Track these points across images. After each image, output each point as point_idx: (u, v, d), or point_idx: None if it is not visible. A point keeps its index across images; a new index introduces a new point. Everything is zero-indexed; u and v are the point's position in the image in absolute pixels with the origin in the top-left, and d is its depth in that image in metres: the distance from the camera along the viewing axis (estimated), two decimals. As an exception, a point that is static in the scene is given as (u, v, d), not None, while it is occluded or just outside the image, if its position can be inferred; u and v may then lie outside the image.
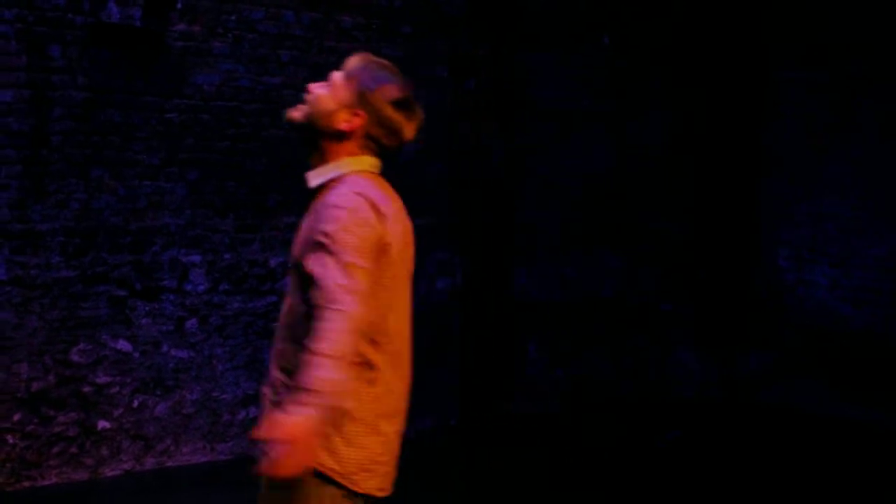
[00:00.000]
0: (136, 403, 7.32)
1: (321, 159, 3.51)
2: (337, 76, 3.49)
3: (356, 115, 3.46)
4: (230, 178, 7.71)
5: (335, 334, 3.11)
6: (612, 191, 9.86)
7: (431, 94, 8.67)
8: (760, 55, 9.97)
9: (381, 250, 3.35)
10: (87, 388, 7.13)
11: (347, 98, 3.45)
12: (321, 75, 7.84)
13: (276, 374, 3.44)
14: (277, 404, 3.33)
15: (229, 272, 7.71)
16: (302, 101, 3.54)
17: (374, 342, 3.40)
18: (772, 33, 9.89)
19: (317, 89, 3.48)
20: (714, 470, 7.90)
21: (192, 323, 7.55)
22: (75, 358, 7.05)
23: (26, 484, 6.90)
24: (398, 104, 3.49)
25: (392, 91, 3.49)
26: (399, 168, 8.34)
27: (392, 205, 3.48)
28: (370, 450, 3.42)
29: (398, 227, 3.46)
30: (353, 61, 3.51)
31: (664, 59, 9.96)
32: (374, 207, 3.35)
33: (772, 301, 9.91)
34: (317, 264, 3.24)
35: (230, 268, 7.72)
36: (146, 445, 7.38)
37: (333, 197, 3.36)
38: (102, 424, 7.19)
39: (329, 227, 3.26)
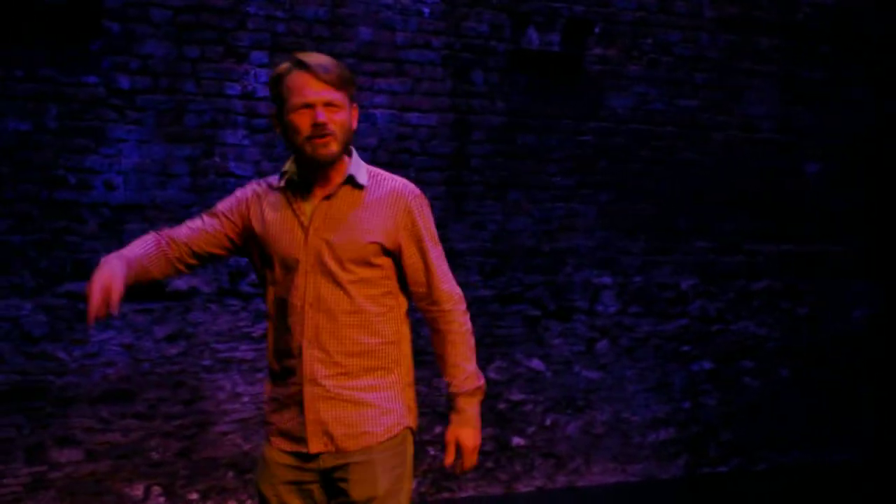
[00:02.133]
0: (548, 422, 7.44)
1: (340, 160, 3.53)
2: (336, 96, 3.45)
3: (354, 110, 3.57)
4: (641, 201, 7.71)
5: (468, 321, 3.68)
6: None
7: (850, 115, 8.36)
8: None
9: None
10: (502, 405, 7.31)
11: (349, 106, 3.51)
12: (737, 98, 7.87)
13: (345, 360, 3.49)
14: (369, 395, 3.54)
15: (639, 294, 7.71)
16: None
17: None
18: None
19: (335, 119, 3.44)
20: None
21: (602, 344, 7.60)
22: (492, 375, 7.25)
23: (445, 495, 7.15)
24: None
25: None
26: (815, 191, 8.17)
27: None
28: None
29: None
30: (330, 67, 3.46)
31: None
32: None
33: None
34: (434, 262, 3.62)
35: (640, 290, 7.72)
36: (558, 463, 7.47)
37: (400, 185, 3.61)
38: (516, 441, 7.35)
39: (428, 221, 3.62)
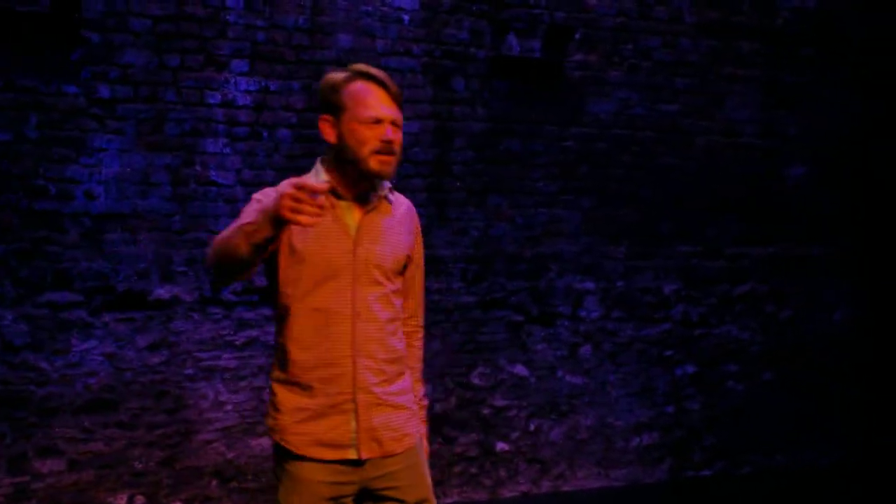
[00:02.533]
0: (532, 427, 7.45)
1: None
2: (400, 116, 3.51)
3: None
4: (623, 206, 7.73)
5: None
6: None
7: (833, 119, 8.38)
8: None
9: None
10: (486, 411, 7.32)
11: None
12: (718, 103, 7.89)
13: (386, 367, 3.58)
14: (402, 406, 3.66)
15: (622, 299, 7.73)
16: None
17: None
18: None
19: (397, 140, 3.50)
20: None
21: (586, 349, 7.61)
22: (475, 381, 7.26)
23: (428, 501, 7.14)
24: None
25: None
26: (797, 195, 8.19)
27: None
28: None
29: None
30: (394, 84, 3.53)
31: None
32: None
33: None
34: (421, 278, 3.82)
35: (623, 295, 7.74)
36: (542, 468, 7.48)
37: (408, 203, 3.75)
38: (501, 446, 7.36)
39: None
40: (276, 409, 3.57)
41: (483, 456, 7.31)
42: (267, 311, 6.69)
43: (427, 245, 7.13)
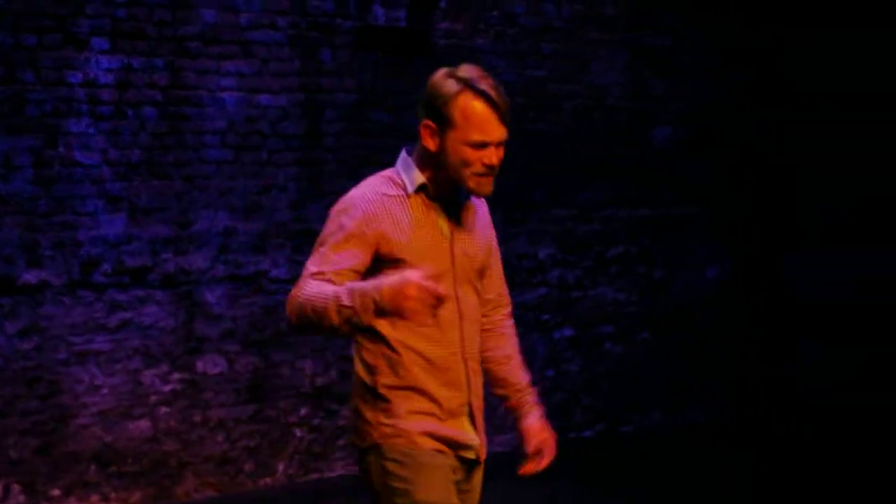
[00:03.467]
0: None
1: None
2: (506, 135, 3.41)
3: None
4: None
5: None
6: None
7: (699, 82, 8.53)
8: None
9: None
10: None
11: None
12: (584, 67, 7.96)
13: (480, 368, 3.55)
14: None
15: (499, 265, 7.76)
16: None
17: None
18: None
19: (499, 156, 3.40)
20: None
21: (464, 316, 7.63)
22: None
23: (314, 476, 7.14)
24: None
25: None
26: (666, 157, 8.32)
27: None
28: None
29: None
30: (506, 105, 3.40)
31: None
32: None
33: None
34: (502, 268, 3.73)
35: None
36: (425, 437, 7.50)
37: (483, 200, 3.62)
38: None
39: None
40: (391, 415, 3.40)
41: (366, 427, 7.29)
42: (139, 292, 6.61)
43: (302, 219, 7.11)
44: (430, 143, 3.37)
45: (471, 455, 3.47)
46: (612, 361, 8.26)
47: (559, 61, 8.00)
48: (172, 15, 6.72)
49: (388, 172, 3.51)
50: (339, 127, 7.24)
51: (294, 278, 6.83)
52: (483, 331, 3.61)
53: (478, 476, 3.57)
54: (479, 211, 3.58)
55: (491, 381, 3.68)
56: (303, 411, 7.10)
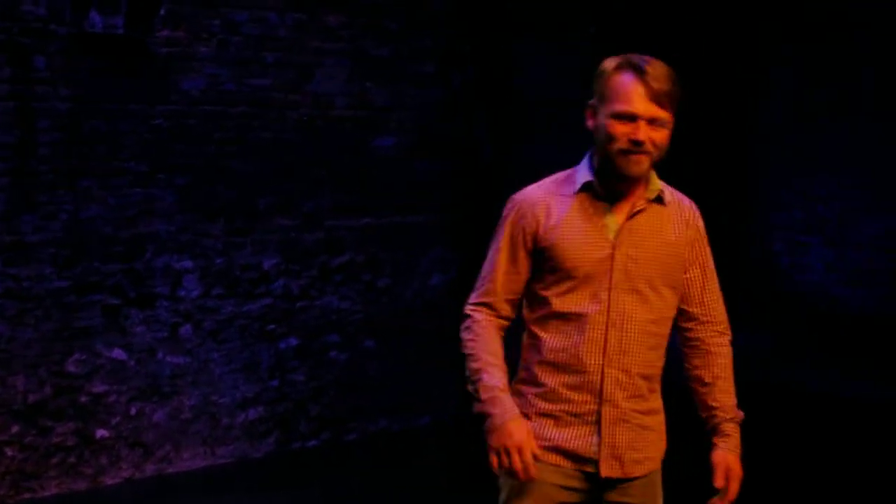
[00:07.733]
0: (133, 411, 7.32)
1: (645, 178, 3.43)
2: (663, 114, 3.26)
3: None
4: (219, 183, 7.69)
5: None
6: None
7: (420, 90, 8.66)
8: (751, 33, 9.92)
9: None
10: (83, 398, 7.12)
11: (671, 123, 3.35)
12: (308, 76, 7.97)
13: (639, 382, 3.44)
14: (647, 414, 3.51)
15: (222, 276, 7.70)
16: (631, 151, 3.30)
17: None
18: (762, 9, 9.84)
19: (654, 138, 3.26)
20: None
21: (186, 329, 7.54)
22: (71, 368, 7.05)
23: (26, 496, 6.90)
24: None
25: None
26: (390, 165, 8.43)
27: None
28: None
29: None
30: (664, 79, 3.26)
31: (651, 44, 9.90)
32: None
33: (767, 285, 9.88)
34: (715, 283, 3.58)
35: (222, 272, 7.71)
36: (145, 452, 7.37)
37: (689, 203, 3.57)
38: (101, 433, 7.19)
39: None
40: (524, 407, 3.46)
41: (82, 444, 7.11)
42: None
43: (14, 231, 6.85)
44: (589, 122, 3.37)
45: (588, 469, 3.40)
46: (338, 370, 8.31)
47: (283, 70, 7.98)
48: None
49: (570, 170, 3.49)
50: (54, 136, 7.00)
51: (6, 292, 6.63)
52: (686, 347, 3.58)
53: (631, 491, 3.43)
54: (676, 220, 3.45)
55: (695, 403, 3.62)
56: (14, 429, 6.85)
